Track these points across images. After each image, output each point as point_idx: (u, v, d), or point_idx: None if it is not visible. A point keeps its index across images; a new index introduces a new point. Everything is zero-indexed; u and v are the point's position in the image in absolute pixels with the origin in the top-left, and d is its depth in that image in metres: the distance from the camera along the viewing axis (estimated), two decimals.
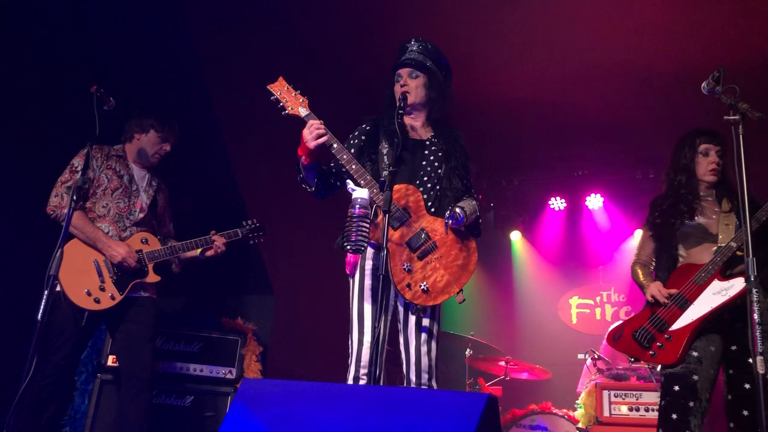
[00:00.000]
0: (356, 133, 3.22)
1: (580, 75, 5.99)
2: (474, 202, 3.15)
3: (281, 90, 3.02)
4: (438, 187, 3.07)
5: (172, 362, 4.35)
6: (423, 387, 2.90)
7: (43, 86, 4.24)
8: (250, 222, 4.08)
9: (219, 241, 3.93)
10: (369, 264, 2.99)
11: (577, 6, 5.19)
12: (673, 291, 3.11)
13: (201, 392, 4.37)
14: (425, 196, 3.03)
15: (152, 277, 3.75)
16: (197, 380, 4.37)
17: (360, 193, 2.75)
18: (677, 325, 3.05)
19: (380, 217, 2.89)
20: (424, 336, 2.95)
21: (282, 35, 5.27)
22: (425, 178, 3.07)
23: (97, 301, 3.55)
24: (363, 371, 2.85)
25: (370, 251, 3.00)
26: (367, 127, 3.20)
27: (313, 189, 3.11)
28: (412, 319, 2.97)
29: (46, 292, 2.82)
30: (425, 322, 2.97)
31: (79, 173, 3.57)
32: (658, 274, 3.27)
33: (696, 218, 3.20)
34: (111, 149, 3.85)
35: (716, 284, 3.02)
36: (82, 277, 3.55)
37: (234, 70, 4.99)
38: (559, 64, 5.88)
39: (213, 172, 5.06)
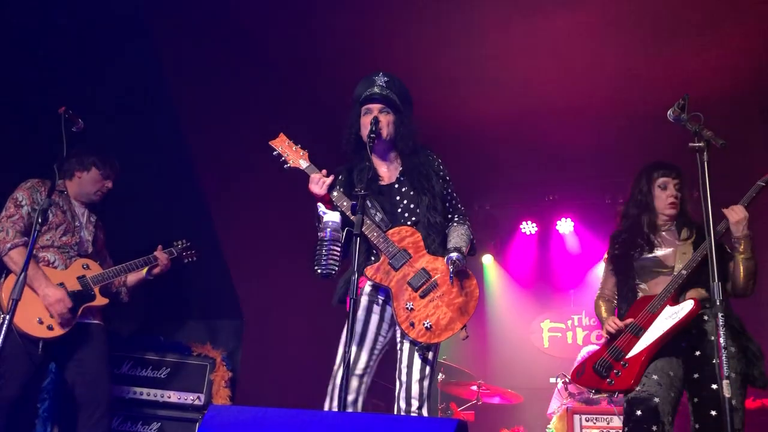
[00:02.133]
0: (336, 186, 3.22)
1: (549, 105, 6.12)
2: (465, 227, 3.17)
3: (282, 145, 3.13)
4: (419, 227, 3.09)
5: (138, 388, 4.26)
6: (412, 415, 2.87)
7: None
8: (181, 242, 4.17)
9: (162, 257, 3.98)
10: (364, 298, 3.03)
11: (548, 42, 5.33)
12: (629, 321, 3.15)
13: (168, 419, 4.27)
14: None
15: (100, 300, 3.72)
16: (164, 406, 4.28)
17: (331, 217, 2.75)
18: (632, 352, 3.09)
19: (382, 257, 2.96)
20: (419, 363, 2.94)
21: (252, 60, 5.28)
22: (408, 224, 3.09)
23: (50, 328, 3.50)
24: (336, 391, 2.85)
25: (368, 288, 3.04)
26: (343, 179, 3.21)
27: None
28: (407, 347, 2.97)
29: (7, 317, 2.76)
30: (420, 350, 2.96)
31: (23, 207, 3.57)
32: (621, 307, 3.30)
33: (655, 251, 3.24)
34: (55, 184, 3.79)
35: (668, 309, 3.07)
36: (32, 307, 3.47)
37: (205, 98, 4.97)
38: (530, 95, 6.00)
39: (181, 194, 5.00)
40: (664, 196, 3.31)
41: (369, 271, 2.95)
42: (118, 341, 4.20)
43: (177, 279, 4.16)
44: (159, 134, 4.75)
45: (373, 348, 3.00)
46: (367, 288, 3.05)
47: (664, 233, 3.31)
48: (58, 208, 3.74)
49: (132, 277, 3.96)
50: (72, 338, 3.60)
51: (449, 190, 3.23)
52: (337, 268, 2.66)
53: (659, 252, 3.23)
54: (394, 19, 5.19)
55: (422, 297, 2.93)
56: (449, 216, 3.21)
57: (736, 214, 2.99)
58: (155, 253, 3.98)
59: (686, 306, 3.03)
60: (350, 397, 2.89)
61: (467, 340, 2.99)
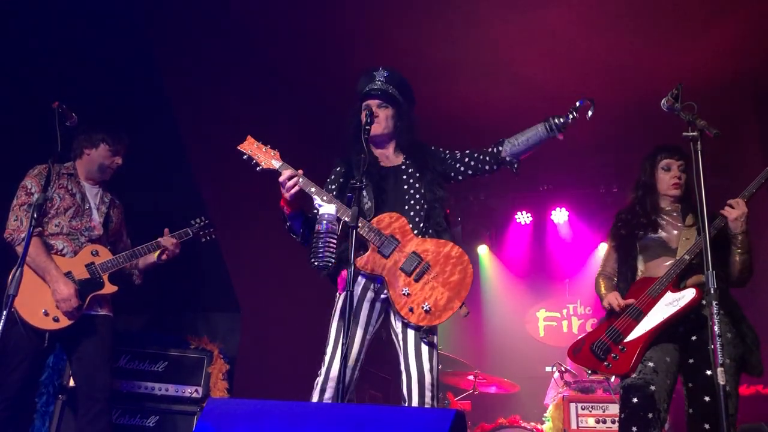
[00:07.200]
0: (332, 177, 3.23)
1: (543, 95, 6.11)
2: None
3: (251, 148, 3.07)
4: (424, 204, 3.11)
5: (136, 381, 4.26)
6: (426, 405, 2.87)
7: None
8: (198, 220, 4.04)
9: (168, 242, 3.85)
10: (357, 288, 3.01)
11: (543, 32, 5.34)
12: (630, 301, 3.17)
13: (166, 412, 4.28)
14: (417, 218, 3.06)
15: (108, 288, 3.67)
16: (162, 400, 4.29)
17: (327, 209, 2.75)
18: (631, 336, 3.11)
19: (371, 247, 2.95)
20: (427, 352, 2.94)
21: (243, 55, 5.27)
22: (412, 201, 3.10)
23: (55, 319, 3.46)
24: (331, 383, 2.86)
25: (361, 279, 3.01)
26: (342, 170, 3.21)
27: (300, 239, 3.13)
28: (411, 336, 2.96)
29: (4, 313, 2.75)
30: (425, 338, 2.96)
31: (34, 195, 3.52)
32: (619, 285, 3.33)
33: (658, 232, 3.26)
34: (62, 167, 3.75)
35: (668, 295, 3.09)
36: (37, 298, 3.45)
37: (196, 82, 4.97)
38: (525, 84, 6.01)
39: (175, 183, 4.99)
40: (668, 178, 3.34)
41: (360, 261, 2.93)
42: (115, 335, 4.20)
43: (174, 272, 4.14)
44: (155, 128, 4.74)
45: (363, 340, 2.99)
46: (361, 279, 3.02)
47: (668, 216, 3.32)
48: (66, 192, 3.69)
49: (143, 261, 3.88)
50: (77, 331, 3.56)
51: (451, 152, 3.25)
52: (333, 260, 2.65)
53: (663, 233, 3.25)
54: (392, 13, 5.19)
55: (417, 281, 2.93)
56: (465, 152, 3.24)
57: (735, 210, 2.99)
58: (160, 238, 3.85)
59: (687, 295, 3.05)
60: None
61: (464, 331, 3.00)
